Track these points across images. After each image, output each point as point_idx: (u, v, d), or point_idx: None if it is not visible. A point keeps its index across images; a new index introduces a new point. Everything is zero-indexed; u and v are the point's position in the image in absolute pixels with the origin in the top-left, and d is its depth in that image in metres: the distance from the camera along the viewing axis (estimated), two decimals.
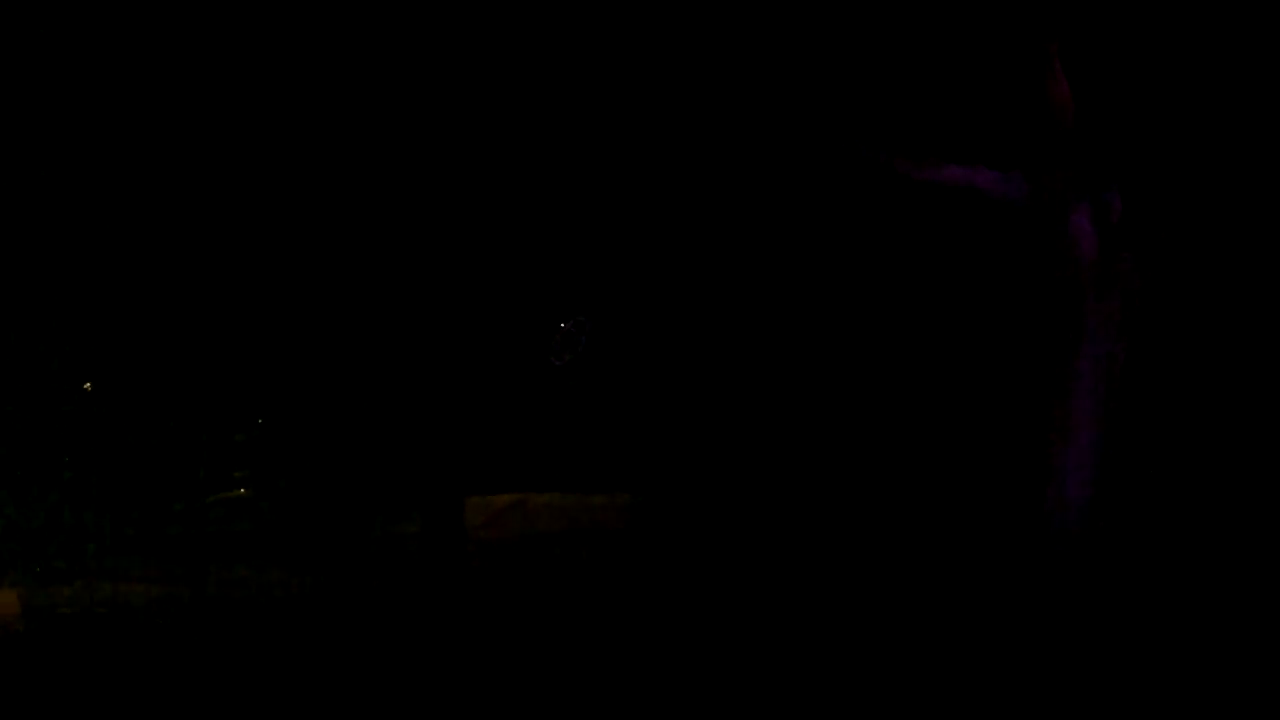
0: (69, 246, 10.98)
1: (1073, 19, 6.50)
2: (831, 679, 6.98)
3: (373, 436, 10.49)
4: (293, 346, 10.83)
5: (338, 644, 8.20)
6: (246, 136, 10.10)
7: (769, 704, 6.72)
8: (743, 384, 10.54)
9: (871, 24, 8.59)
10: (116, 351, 11.52)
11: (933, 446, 9.01)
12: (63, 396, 11.58)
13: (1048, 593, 6.31)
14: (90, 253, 11.05)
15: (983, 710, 6.06)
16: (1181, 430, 8.24)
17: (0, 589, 10.26)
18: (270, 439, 11.95)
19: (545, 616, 8.77)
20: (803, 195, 9.85)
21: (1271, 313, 8.25)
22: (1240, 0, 7.72)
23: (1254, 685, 6.61)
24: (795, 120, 8.72)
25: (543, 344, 11.93)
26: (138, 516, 11.88)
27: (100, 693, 7.03)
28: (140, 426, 11.81)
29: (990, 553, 7.83)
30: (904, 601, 8.02)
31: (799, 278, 9.96)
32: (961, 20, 7.73)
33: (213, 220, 10.41)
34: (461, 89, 10.25)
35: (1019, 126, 6.44)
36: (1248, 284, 8.20)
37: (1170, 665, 6.77)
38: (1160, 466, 8.15)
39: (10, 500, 11.44)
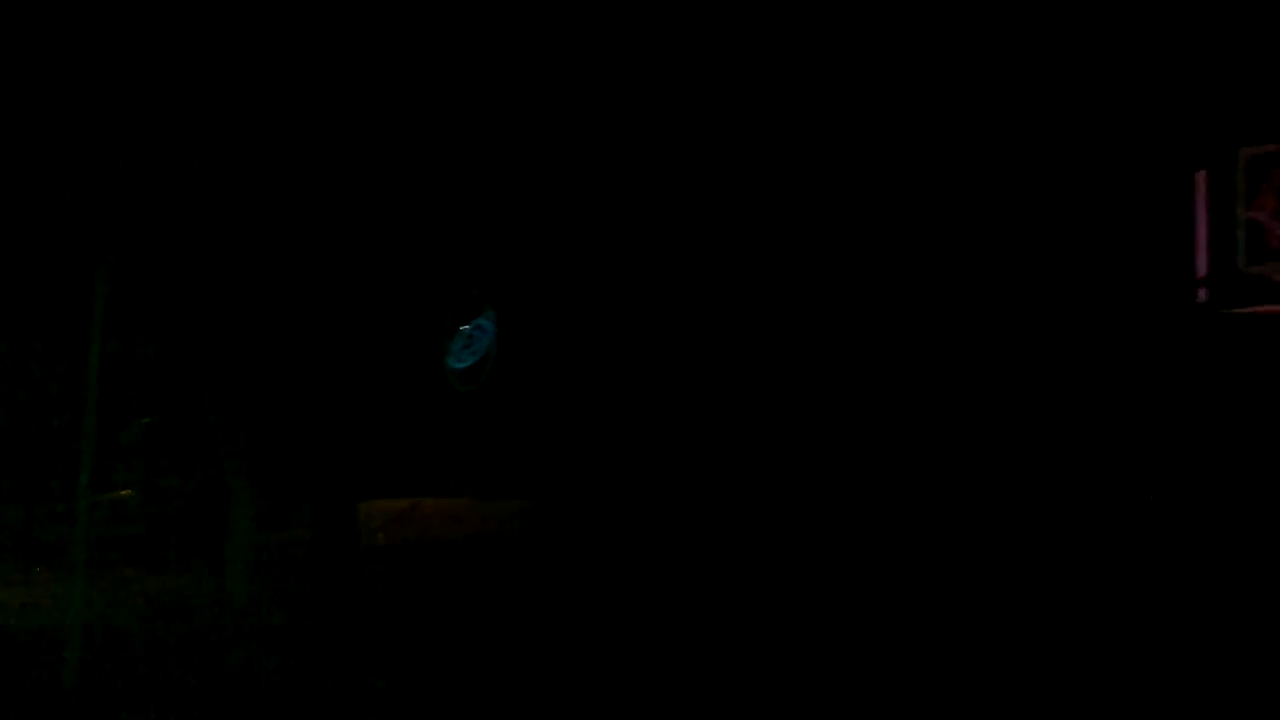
0: None
1: None
2: (722, 678, 7.01)
3: (263, 438, 10.28)
4: (181, 344, 10.58)
5: (225, 650, 8.04)
6: (133, 139, 9.86)
7: (652, 702, 6.73)
8: (636, 392, 10.56)
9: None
10: None
11: (815, 457, 9.11)
12: None
13: None
14: None
15: None
16: None
17: None
18: (157, 439, 11.65)
19: (436, 621, 8.68)
20: (707, 197, 9.91)
21: None
22: None
23: None
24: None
25: (442, 348, 11.81)
26: (15, 519, 11.49)
27: None
28: (19, 426, 11.44)
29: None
30: (793, 604, 8.09)
31: (687, 287, 10.02)
32: None
33: (96, 220, 10.13)
34: (357, 89, 10.13)
35: None
36: None
37: None
38: None
39: None
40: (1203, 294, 7.63)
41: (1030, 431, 8.12)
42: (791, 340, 9.45)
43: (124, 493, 11.93)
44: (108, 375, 8.91)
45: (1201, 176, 7.43)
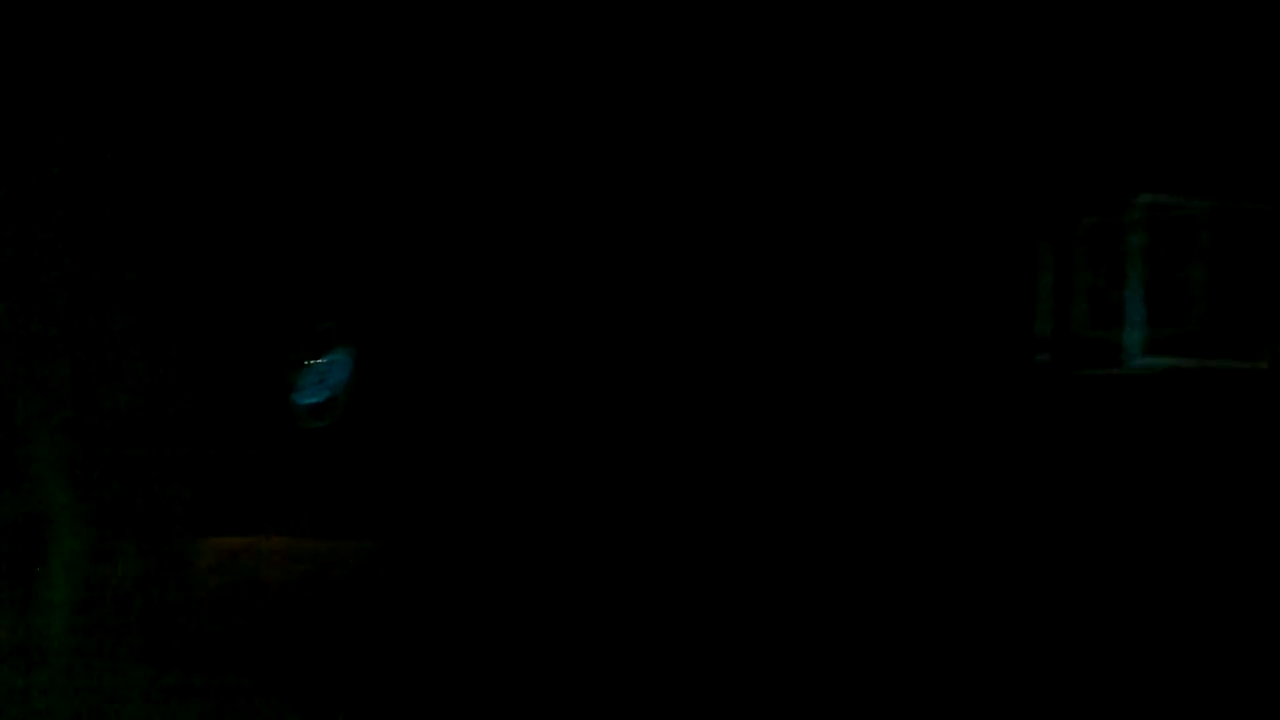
0: None
1: None
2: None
3: (89, 465, 9.84)
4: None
5: (35, 695, 7.66)
6: None
7: None
8: (496, 434, 10.45)
9: None
10: None
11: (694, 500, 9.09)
12: None
13: None
14: None
15: None
16: None
17: None
18: None
19: (270, 666, 8.41)
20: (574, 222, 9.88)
21: None
22: None
23: None
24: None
25: (289, 377, 11.54)
26: None
27: None
28: None
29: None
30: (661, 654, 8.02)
31: (549, 327, 9.96)
32: None
33: None
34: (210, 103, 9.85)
35: None
36: None
37: None
38: None
39: None
40: (1044, 356, 7.85)
41: (868, 488, 8.21)
42: (648, 385, 9.45)
43: None
44: None
45: (1043, 242, 7.67)
